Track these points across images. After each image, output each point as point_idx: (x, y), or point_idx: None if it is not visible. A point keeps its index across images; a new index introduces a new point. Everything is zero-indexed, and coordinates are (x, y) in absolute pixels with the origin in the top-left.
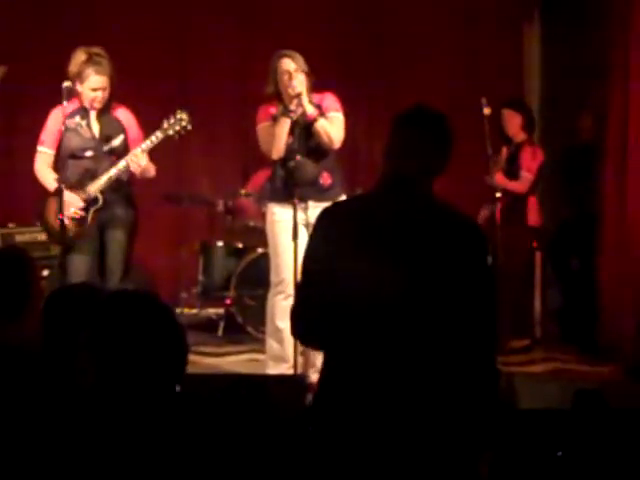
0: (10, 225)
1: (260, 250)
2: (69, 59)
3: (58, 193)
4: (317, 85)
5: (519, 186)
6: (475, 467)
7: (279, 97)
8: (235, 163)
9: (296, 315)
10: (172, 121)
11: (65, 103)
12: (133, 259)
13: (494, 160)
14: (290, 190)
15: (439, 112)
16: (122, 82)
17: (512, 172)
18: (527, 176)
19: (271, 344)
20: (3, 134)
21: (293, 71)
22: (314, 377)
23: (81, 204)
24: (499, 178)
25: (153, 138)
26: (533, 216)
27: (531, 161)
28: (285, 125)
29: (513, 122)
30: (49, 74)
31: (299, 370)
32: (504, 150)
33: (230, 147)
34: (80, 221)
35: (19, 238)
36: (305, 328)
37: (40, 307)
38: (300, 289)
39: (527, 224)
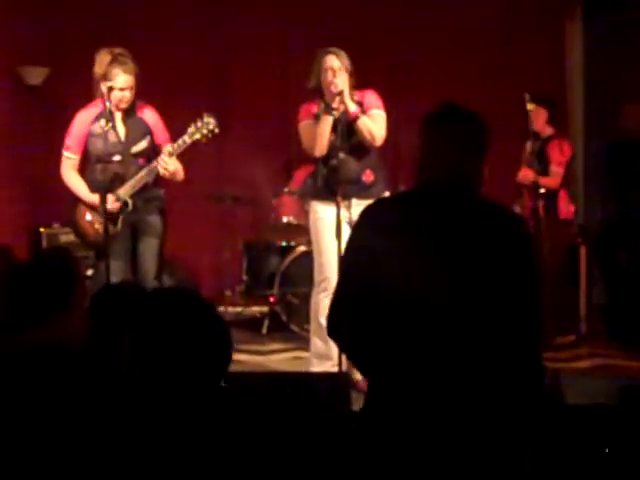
0: (55, 225)
1: (303, 248)
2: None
3: (101, 198)
4: (360, 83)
5: (550, 181)
6: (520, 464)
7: (320, 93)
8: (278, 160)
9: (331, 317)
10: (199, 125)
11: (108, 104)
12: (175, 258)
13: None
14: (333, 188)
15: (469, 110)
16: (159, 84)
17: (541, 167)
18: (557, 170)
19: (315, 342)
20: (45, 135)
21: (337, 69)
22: (358, 375)
23: (113, 198)
24: (523, 174)
25: (180, 142)
26: (564, 210)
27: (560, 155)
28: (327, 123)
29: (539, 117)
30: (89, 77)
31: (344, 368)
32: (527, 145)
33: (272, 145)
34: (112, 222)
35: (64, 238)
36: (339, 330)
37: (85, 306)
38: (338, 288)
39: (559, 218)
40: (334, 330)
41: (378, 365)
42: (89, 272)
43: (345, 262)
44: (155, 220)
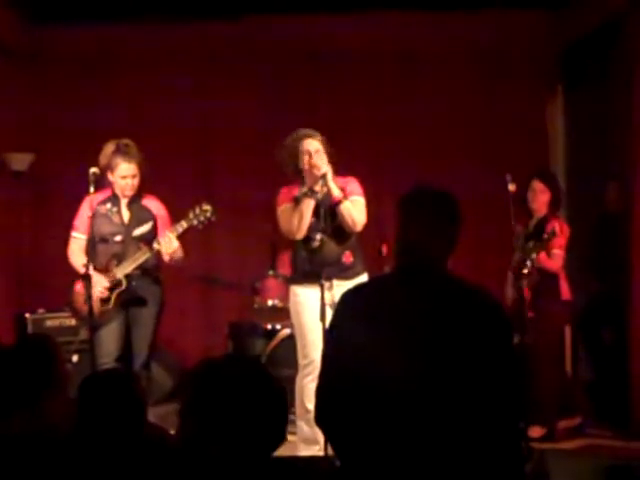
0: (40, 311)
1: (288, 331)
2: (97, 149)
3: (85, 277)
4: (341, 167)
5: (553, 264)
6: None
7: (300, 177)
8: (262, 243)
9: (319, 406)
10: (197, 212)
11: (92, 189)
12: (162, 342)
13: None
14: (314, 270)
15: (439, 190)
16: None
17: (537, 246)
18: (559, 253)
19: (301, 426)
20: (31, 222)
21: (314, 152)
22: None
23: (106, 284)
24: (541, 258)
25: (179, 227)
26: (565, 291)
27: (560, 237)
28: (309, 206)
29: (541, 197)
30: (76, 163)
31: (330, 452)
32: (519, 228)
33: (257, 228)
34: (104, 301)
35: (49, 323)
36: (327, 420)
37: (66, 393)
38: (322, 377)
39: (561, 300)
40: (322, 420)
41: (361, 451)
42: (75, 357)
43: (327, 350)
44: (150, 292)
